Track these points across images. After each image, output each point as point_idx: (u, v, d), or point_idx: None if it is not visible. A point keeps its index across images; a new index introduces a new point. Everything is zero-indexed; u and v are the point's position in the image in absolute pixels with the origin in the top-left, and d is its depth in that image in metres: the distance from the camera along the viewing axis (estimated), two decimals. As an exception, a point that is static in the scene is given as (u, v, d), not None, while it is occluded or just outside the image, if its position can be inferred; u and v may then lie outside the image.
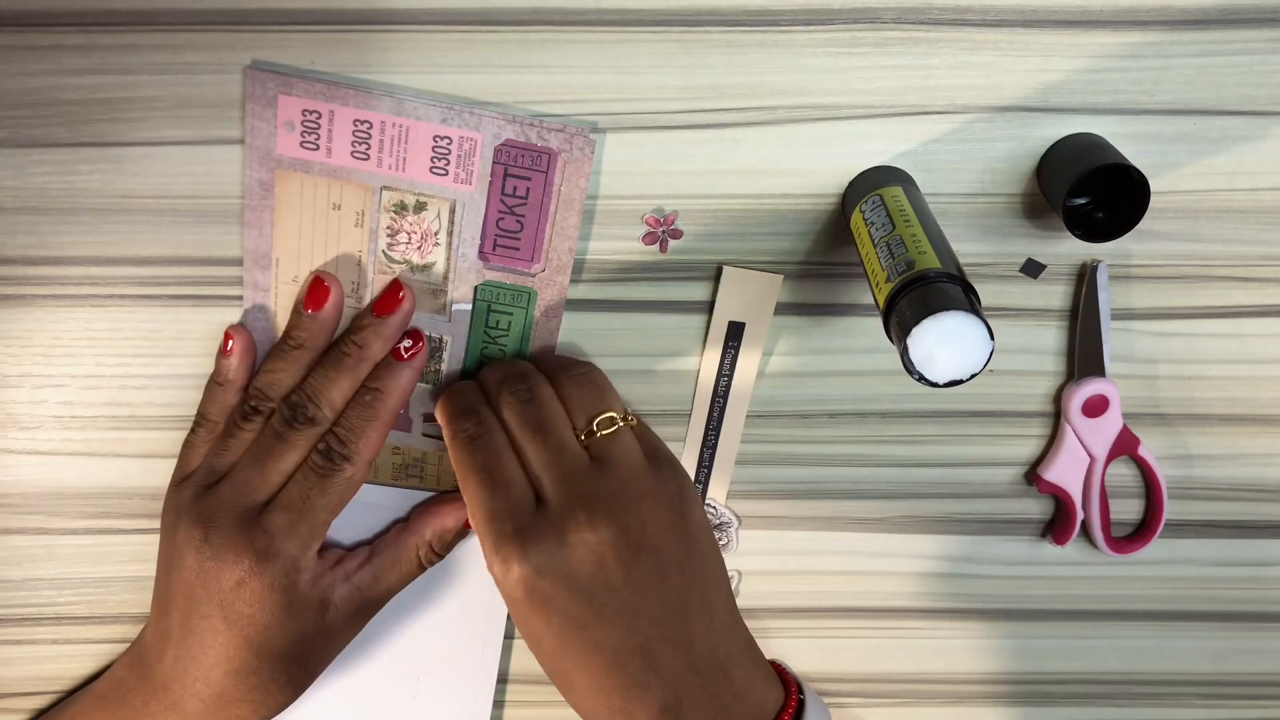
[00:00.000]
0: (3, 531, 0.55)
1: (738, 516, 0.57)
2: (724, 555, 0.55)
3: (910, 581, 0.59)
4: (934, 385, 0.39)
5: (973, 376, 0.39)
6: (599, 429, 0.47)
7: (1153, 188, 0.46)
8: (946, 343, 0.38)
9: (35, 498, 0.54)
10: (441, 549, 0.55)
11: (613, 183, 0.50)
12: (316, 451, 0.49)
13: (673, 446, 0.54)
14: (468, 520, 0.54)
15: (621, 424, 0.48)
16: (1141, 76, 0.49)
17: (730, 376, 0.54)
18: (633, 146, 0.49)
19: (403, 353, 0.50)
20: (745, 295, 0.52)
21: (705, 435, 0.55)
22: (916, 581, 0.59)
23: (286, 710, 0.52)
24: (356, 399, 0.50)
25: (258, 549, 0.48)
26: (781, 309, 0.53)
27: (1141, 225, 0.47)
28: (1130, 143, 0.50)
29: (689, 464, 0.56)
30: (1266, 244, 0.52)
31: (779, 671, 0.50)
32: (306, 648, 0.50)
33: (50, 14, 0.47)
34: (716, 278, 0.52)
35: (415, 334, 0.51)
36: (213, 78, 0.48)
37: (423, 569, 0.55)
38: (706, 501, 0.56)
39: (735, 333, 0.53)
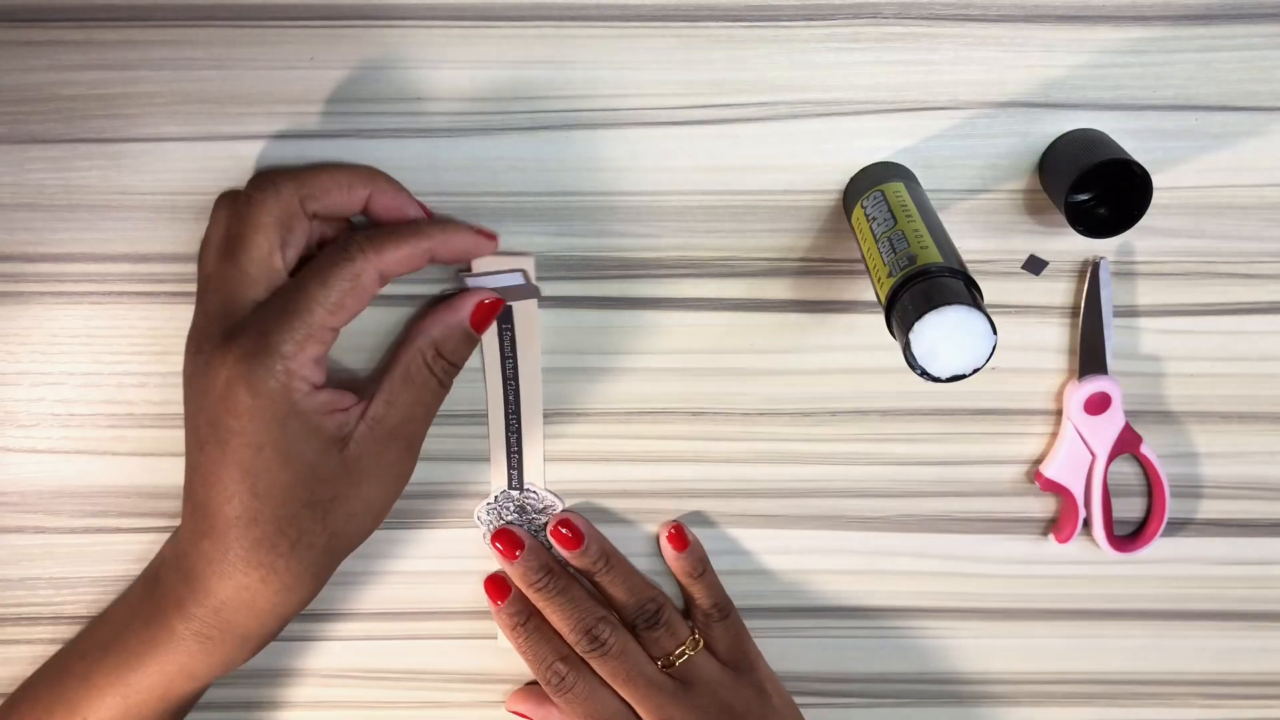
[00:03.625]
0: (1, 530, 0.55)
1: (560, 498, 0.56)
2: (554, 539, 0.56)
3: (910, 581, 0.59)
4: (937, 380, 0.39)
5: (975, 371, 0.39)
6: (676, 660, 0.55)
7: (1155, 184, 0.46)
8: (949, 337, 0.38)
9: (33, 496, 0.54)
10: (451, 354, 0.49)
11: (612, 179, 0.50)
12: (332, 243, 0.46)
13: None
14: (471, 322, 0.50)
15: (692, 653, 0.55)
16: (1144, 72, 0.49)
17: (514, 359, 0.53)
18: (633, 142, 0.49)
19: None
20: (502, 282, 0.51)
21: (507, 421, 0.54)
22: (917, 581, 0.58)
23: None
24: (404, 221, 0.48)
25: (243, 343, 0.43)
26: (783, 306, 0.53)
27: (1144, 221, 0.46)
28: (1132, 138, 0.50)
29: (498, 455, 0.55)
30: (1269, 240, 0.52)
31: None
32: (322, 491, 0.45)
33: (49, 9, 0.47)
34: (717, 274, 0.52)
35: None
36: (211, 73, 0.48)
37: (442, 384, 0.49)
38: (526, 487, 0.56)
39: (505, 314, 0.52)
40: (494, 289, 0.50)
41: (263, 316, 0.44)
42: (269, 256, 0.45)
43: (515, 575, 0.55)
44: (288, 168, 0.47)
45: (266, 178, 0.46)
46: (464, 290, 0.50)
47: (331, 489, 0.45)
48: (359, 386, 0.48)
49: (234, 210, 0.46)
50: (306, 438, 0.44)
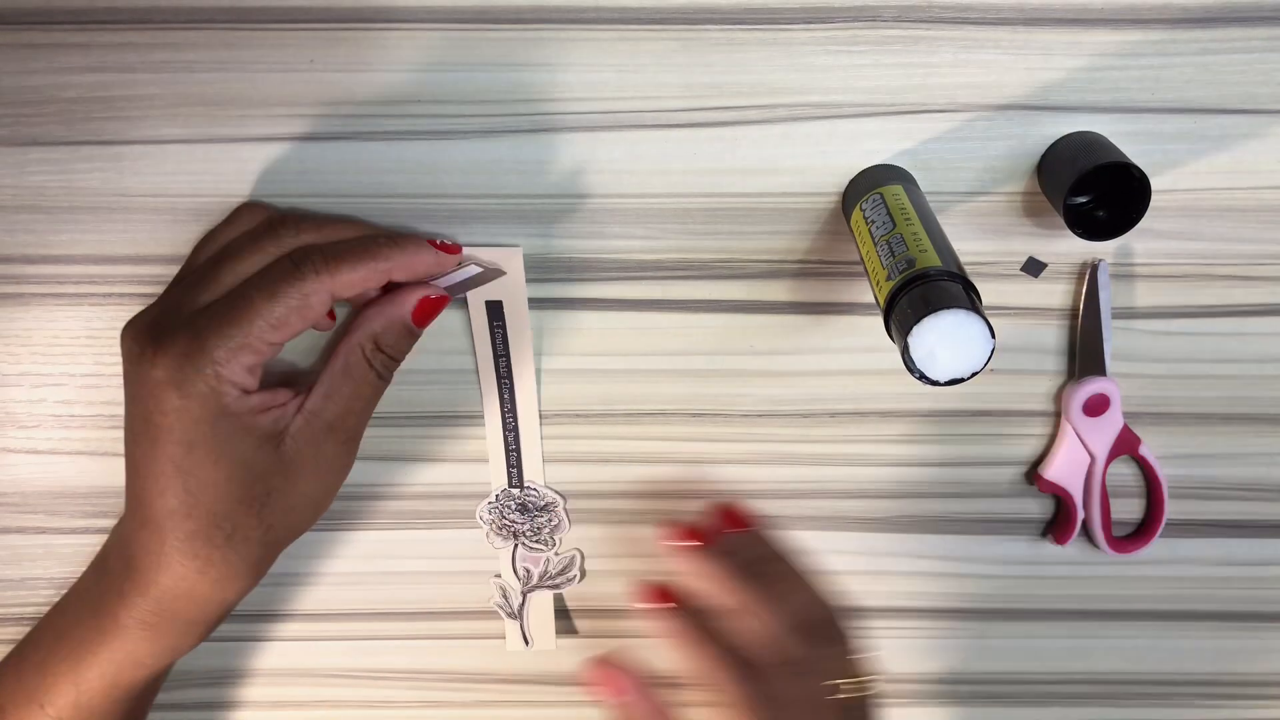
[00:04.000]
0: (2, 530, 0.55)
1: (561, 495, 0.56)
2: (557, 535, 0.56)
3: (910, 581, 0.59)
4: (935, 384, 0.39)
5: (974, 375, 0.39)
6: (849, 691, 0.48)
7: (1153, 186, 0.46)
8: (947, 341, 0.38)
9: (34, 497, 0.54)
10: (390, 347, 0.48)
11: (612, 181, 0.50)
12: (286, 256, 0.45)
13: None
14: (413, 316, 0.48)
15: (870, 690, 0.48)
16: (1142, 75, 0.49)
17: (507, 357, 0.53)
18: (632, 145, 0.49)
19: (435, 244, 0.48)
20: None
21: (504, 420, 0.54)
22: (916, 581, 0.59)
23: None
24: (361, 238, 0.47)
25: (177, 343, 0.43)
26: (782, 307, 0.53)
27: (1142, 224, 0.46)
28: (1131, 141, 0.50)
29: (496, 454, 0.55)
30: (1267, 242, 0.52)
31: None
32: (257, 487, 0.45)
33: (49, 12, 0.47)
34: (717, 276, 0.52)
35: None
36: (212, 76, 0.48)
37: (381, 377, 0.48)
38: (526, 485, 0.56)
39: (496, 312, 0.52)
40: (447, 286, 0.49)
41: (201, 320, 0.43)
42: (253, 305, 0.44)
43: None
44: (320, 249, 0.45)
45: (312, 263, 0.44)
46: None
47: (266, 484, 0.45)
48: (299, 377, 0.48)
49: (254, 250, 0.46)
50: (239, 436, 0.44)
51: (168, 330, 0.43)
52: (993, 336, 0.38)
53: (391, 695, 0.60)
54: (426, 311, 0.48)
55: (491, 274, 0.50)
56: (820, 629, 0.49)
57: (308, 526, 0.48)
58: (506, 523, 0.56)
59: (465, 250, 0.50)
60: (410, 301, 0.48)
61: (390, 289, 0.48)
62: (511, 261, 0.51)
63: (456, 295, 0.50)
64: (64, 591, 0.56)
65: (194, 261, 0.48)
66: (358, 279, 0.45)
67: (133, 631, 0.47)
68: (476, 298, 0.51)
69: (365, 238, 0.46)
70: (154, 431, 0.43)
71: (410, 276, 0.47)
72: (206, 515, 0.44)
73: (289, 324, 0.43)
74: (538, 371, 0.54)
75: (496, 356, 0.53)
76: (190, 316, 0.43)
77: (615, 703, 0.50)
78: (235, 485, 0.44)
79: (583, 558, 0.57)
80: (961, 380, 0.39)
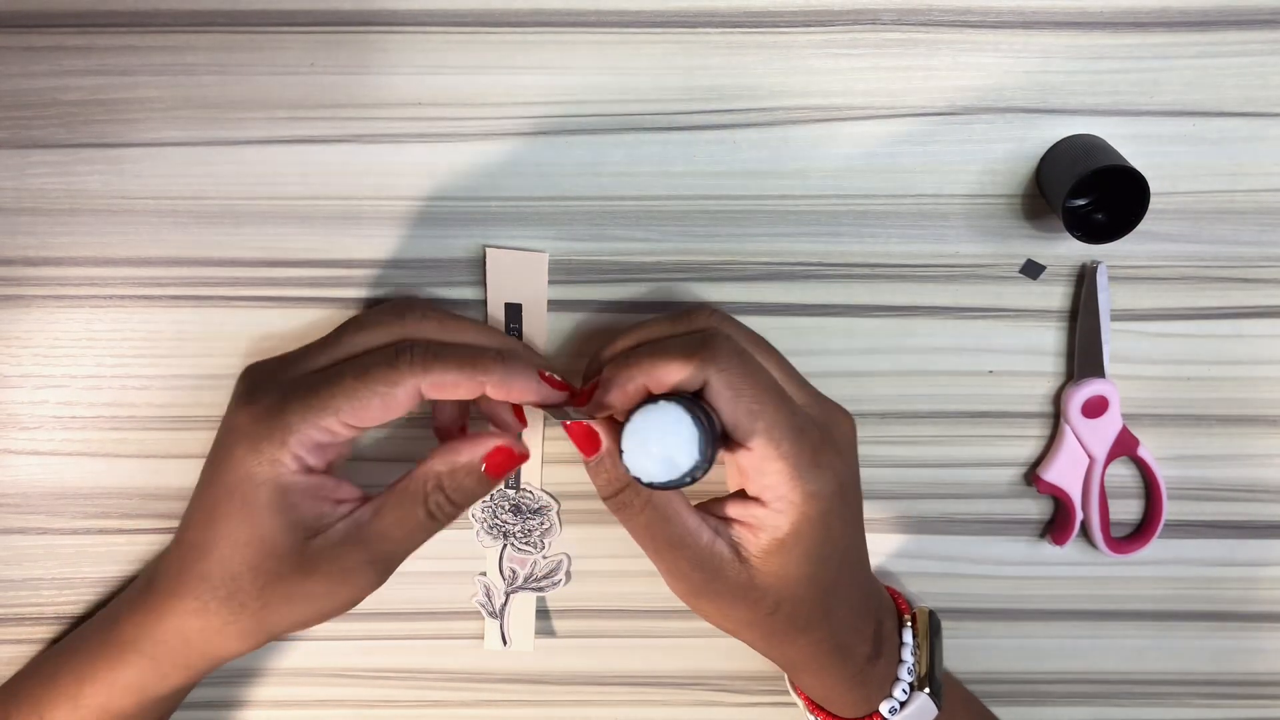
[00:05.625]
0: (3, 531, 0.55)
1: (556, 499, 0.57)
2: (546, 539, 0.56)
3: (909, 582, 0.59)
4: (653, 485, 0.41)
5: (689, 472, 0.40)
6: None
7: (1152, 189, 0.46)
8: (656, 436, 0.40)
9: (36, 498, 0.54)
10: (453, 490, 0.46)
11: (612, 184, 0.50)
12: (392, 344, 0.45)
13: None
14: (486, 466, 0.46)
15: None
16: (1141, 78, 0.49)
17: None
18: (632, 147, 0.50)
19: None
20: (514, 275, 0.51)
21: None
22: (915, 582, 0.59)
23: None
24: (470, 345, 0.46)
25: (266, 399, 0.43)
26: (781, 309, 0.53)
27: (1141, 226, 0.47)
28: (1130, 144, 0.50)
29: None
30: (1266, 245, 0.52)
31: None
32: (268, 564, 0.44)
33: (50, 15, 0.47)
34: (717, 278, 0.52)
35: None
36: (212, 79, 0.48)
37: (434, 519, 0.46)
38: (521, 487, 0.56)
39: (514, 314, 0.52)
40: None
41: (296, 385, 0.44)
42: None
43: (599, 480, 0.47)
44: (426, 345, 0.45)
45: (419, 355, 0.44)
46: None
47: (278, 567, 0.44)
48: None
49: (375, 325, 0.46)
50: (275, 510, 0.43)
51: (268, 383, 0.44)
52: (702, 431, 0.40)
53: (391, 695, 0.60)
54: (500, 463, 0.46)
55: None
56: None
57: (307, 625, 0.47)
58: (498, 522, 0.56)
59: (490, 255, 0.51)
60: (485, 447, 0.46)
61: (457, 439, 0.47)
62: (536, 266, 0.51)
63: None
64: (64, 591, 0.56)
65: (336, 333, 0.47)
66: (449, 382, 0.43)
67: (131, 656, 0.47)
68: (496, 297, 0.51)
69: (474, 346, 0.45)
70: (214, 470, 0.44)
71: (506, 397, 0.45)
72: (216, 565, 0.44)
73: (370, 410, 0.43)
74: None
75: None
76: (293, 378, 0.44)
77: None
78: (250, 552, 0.44)
79: (570, 561, 0.57)
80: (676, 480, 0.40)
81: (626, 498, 0.46)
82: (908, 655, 0.51)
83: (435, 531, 0.46)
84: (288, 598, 0.45)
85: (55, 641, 0.56)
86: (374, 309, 0.48)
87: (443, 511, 0.46)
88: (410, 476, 0.46)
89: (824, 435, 0.46)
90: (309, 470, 0.44)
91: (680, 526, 0.45)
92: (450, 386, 0.44)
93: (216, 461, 0.45)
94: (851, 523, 0.48)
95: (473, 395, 0.45)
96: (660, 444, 0.40)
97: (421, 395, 0.44)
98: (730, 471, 0.51)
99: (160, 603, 0.46)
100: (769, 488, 0.44)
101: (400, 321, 0.46)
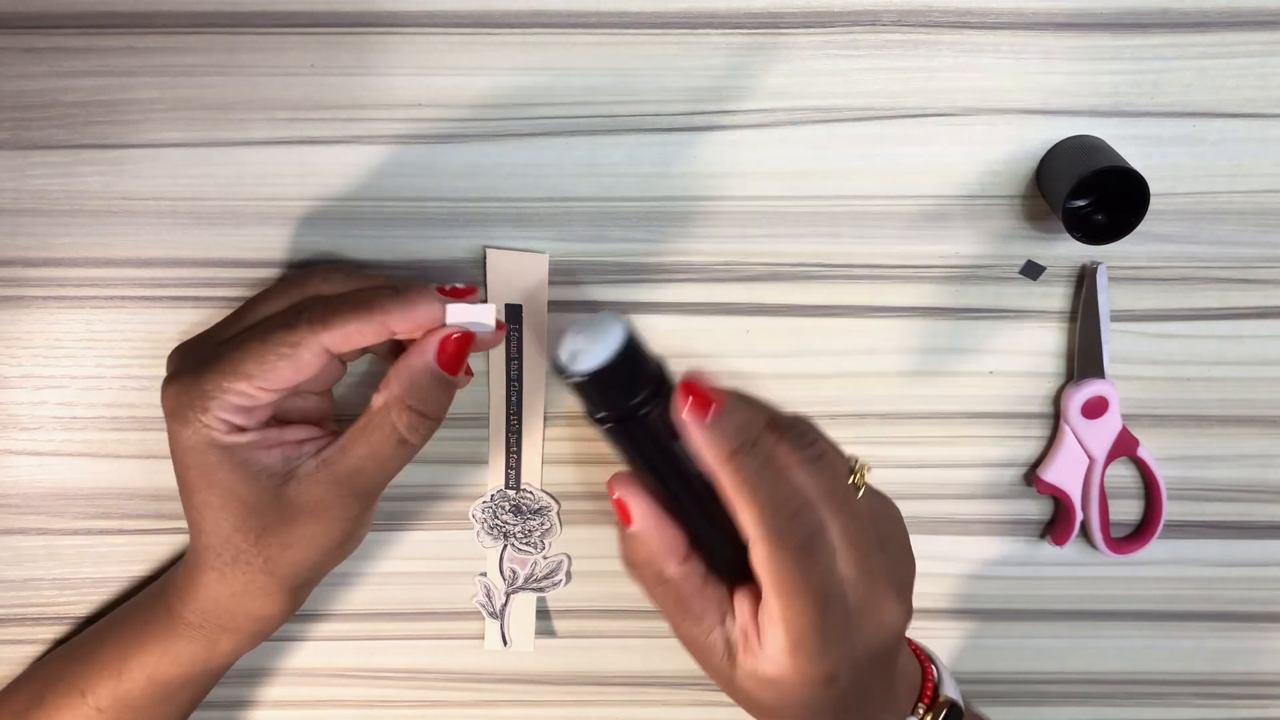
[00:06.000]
0: (4, 532, 0.55)
1: (556, 500, 0.57)
2: (547, 540, 0.56)
3: (910, 581, 0.59)
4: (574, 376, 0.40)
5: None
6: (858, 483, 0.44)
7: (1152, 190, 0.46)
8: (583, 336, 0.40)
9: (36, 498, 0.55)
10: (420, 401, 0.44)
11: (612, 184, 0.50)
12: (292, 305, 0.44)
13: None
14: (439, 362, 0.44)
15: (865, 472, 0.44)
16: (1141, 79, 0.49)
17: (519, 360, 0.53)
18: (632, 148, 0.50)
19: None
20: (514, 276, 0.51)
21: (508, 421, 0.54)
22: (916, 581, 0.59)
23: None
24: (364, 289, 0.45)
25: (182, 374, 0.44)
26: (782, 310, 0.53)
27: (1141, 227, 0.47)
28: (1130, 145, 0.50)
29: (496, 455, 0.55)
30: (1266, 246, 0.52)
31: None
32: (251, 520, 0.44)
33: (50, 16, 0.47)
34: (717, 279, 0.52)
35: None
36: (212, 80, 0.48)
37: (407, 442, 0.45)
38: (522, 487, 0.56)
39: (514, 315, 0.52)
40: (460, 324, 0.45)
41: (209, 356, 0.44)
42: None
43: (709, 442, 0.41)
44: (324, 300, 0.44)
45: (317, 313, 0.43)
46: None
47: (261, 520, 0.44)
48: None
49: (278, 294, 0.46)
50: (230, 469, 0.43)
51: (188, 358, 0.45)
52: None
53: (391, 695, 0.60)
54: (452, 353, 0.44)
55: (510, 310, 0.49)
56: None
57: (316, 568, 0.47)
58: (499, 523, 0.56)
59: (490, 255, 0.51)
60: (431, 345, 0.44)
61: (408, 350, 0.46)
62: (536, 266, 0.51)
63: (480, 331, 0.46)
64: (64, 591, 0.56)
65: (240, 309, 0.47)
66: (352, 330, 0.42)
67: (179, 628, 0.49)
68: (496, 298, 0.51)
69: (368, 289, 0.44)
70: (172, 451, 0.45)
71: (413, 328, 0.44)
72: (211, 535, 0.45)
73: (279, 372, 0.42)
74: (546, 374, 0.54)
75: (509, 359, 0.53)
76: (207, 350, 0.44)
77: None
78: (229, 513, 0.44)
79: (570, 562, 0.58)
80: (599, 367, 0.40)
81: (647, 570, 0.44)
82: None
83: (411, 454, 0.46)
84: (284, 545, 0.45)
85: (58, 643, 0.56)
86: (280, 278, 0.48)
87: (415, 431, 0.45)
88: (370, 408, 0.45)
89: (846, 620, 0.41)
90: (241, 429, 0.44)
91: (688, 609, 0.44)
92: (355, 335, 0.43)
93: (170, 442, 0.45)
94: (846, 694, 0.43)
95: (381, 338, 0.43)
96: (588, 340, 0.40)
97: (329, 351, 0.43)
98: None
99: (194, 577, 0.47)
100: (767, 637, 0.42)
101: (302, 285, 0.46)
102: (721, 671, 0.44)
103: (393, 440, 0.44)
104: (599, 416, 0.42)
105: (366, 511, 0.47)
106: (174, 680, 0.50)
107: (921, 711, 0.47)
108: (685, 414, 0.40)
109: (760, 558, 0.40)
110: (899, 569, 0.44)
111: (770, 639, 0.41)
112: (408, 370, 0.44)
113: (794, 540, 0.40)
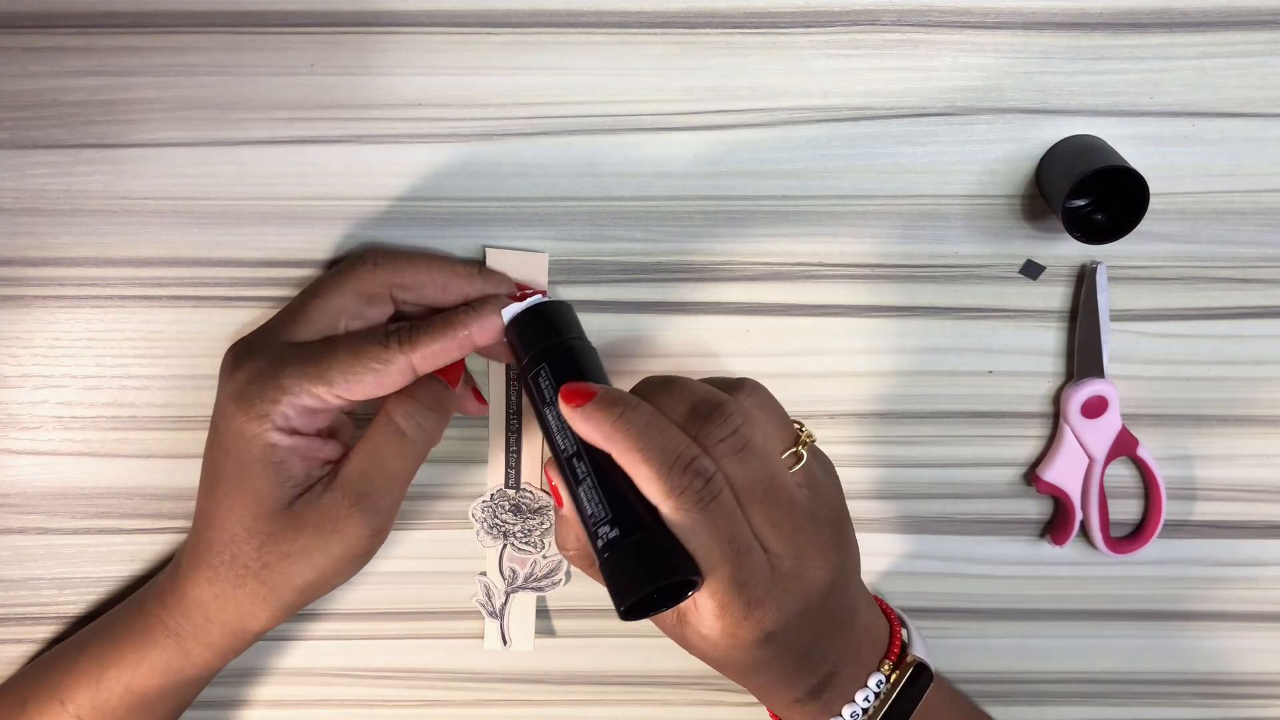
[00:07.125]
0: (4, 531, 0.55)
1: None
2: (546, 539, 0.57)
3: (910, 581, 0.59)
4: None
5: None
6: (791, 460, 0.44)
7: (1152, 189, 0.46)
8: None
9: (36, 498, 0.55)
10: (426, 398, 0.47)
11: (612, 184, 0.50)
12: (381, 327, 0.46)
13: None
14: (448, 373, 0.48)
15: (808, 443, 0.45)
16: (1141, 78, 0.49)
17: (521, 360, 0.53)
18: (632, 148, 0.50)
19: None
20: (514, 276, 0.51)
21: (508, 421, 0.54)
22: (916, 581, 0.59)
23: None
24: (444, 314, 0.47)
25: (257, 364, 0.45)
26: (780, 309, 0.53)
27: (1141, 226, 0.47)
28: (1130, 144, 0.50)
29: (496, 454, 0.55)
30: (1265, 245, 0.52)
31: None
32: (260, 524, 0.45)
33: (50, 16, 0.47)
34: (716, 279, 0.52)
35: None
36: (212, 79, 0.48)
37: (403, 434, 0.46)
38: (521, 486, 0.56)
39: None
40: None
41: (289, 353, 0.45)
42: (334, 317, 0.46)
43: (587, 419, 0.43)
44: (400, 249, 0.49)
45: (373, 253, 0.48)
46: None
47: (269, 526, 0.45)
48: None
49: (337, 268, 0.48)
50: (263, 466, 0.45)
51: (257, 350, 0.46)
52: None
53: (391, 695, 0.60)
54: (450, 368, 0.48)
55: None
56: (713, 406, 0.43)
57: (312, 587, 0.47)
58: (498, 522, 0.56)
59: (490, 255, 0.51)
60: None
61: None
62: (536, 266, 0.51)
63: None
64: (64, 591, 0.56)
65: (298, 295, 0.48)
66: (438, 350, 0.45)
67: (156, 636, 0.49)
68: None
69: (448, 313, 0.46)
70: (212, 436, 0.46)
71: (492, 340, 0.47)
72: (218, 530, 0.46)
73: (364, 384, 0.44)
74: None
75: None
76: (281, 347, 0.45)
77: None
78: (243, 512, 0.45)
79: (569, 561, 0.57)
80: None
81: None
82: (860, 699, 0.47)
83: (412, 452, 0.47)
84: (284, 555, 0.46)
85: (55, 641, 0.56)
86: (327, 273, 0.48)
87: (410, 418, 0.46)
88: (379, 411, 0.47)
89: (770, 582, 0.42)
90: (295, 433, 0.45)
91: None
92: (440, 354, 0.45)
93: (213, 427, 0.46)
94: (789, 649, 0.44)
95: (465, 354, 0.46)
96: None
97: (414, 369, 0.45)
98: None
99: (182, 577, 0.48)
100: (699, 599, 0.42)
101: (355, 275, 0.47)
102: (677, 635, 0.45)
103: (388, 432, 0.46)
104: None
105: (367, 531, 0.46)
106: (150, 690, 0.50)
107: (888, 669, 0.47)
108: (562, 405, 0.43)
109: (666, 517, 0.41)
110: (829, 530, 0.44)
111: (700, 600, 0.42)
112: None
113: (692, 491, 0.40)
